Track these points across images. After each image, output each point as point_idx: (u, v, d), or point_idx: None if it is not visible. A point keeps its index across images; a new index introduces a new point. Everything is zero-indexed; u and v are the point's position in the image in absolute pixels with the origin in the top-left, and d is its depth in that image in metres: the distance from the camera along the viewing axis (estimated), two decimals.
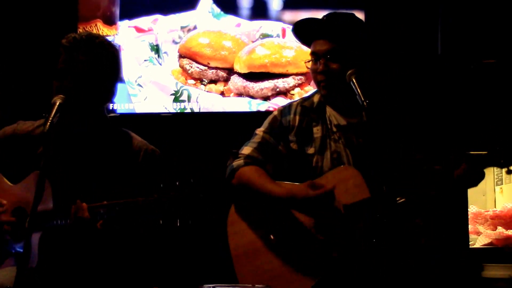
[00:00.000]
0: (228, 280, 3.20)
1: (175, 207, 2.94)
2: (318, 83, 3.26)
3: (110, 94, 3.30)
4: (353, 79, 3.07)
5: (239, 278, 3.20)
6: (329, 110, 3.30)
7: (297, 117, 3.32)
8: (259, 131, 3.38)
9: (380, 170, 3.08)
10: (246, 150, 3.35)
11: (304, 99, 3.42)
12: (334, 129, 3.26)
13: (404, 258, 3.10)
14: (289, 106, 3.40)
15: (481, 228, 4.52)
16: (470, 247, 4.38)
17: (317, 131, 3.28)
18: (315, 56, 3.23)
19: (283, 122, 3.34)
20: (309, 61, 3.27)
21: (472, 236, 4.47)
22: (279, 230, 3.18)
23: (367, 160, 3.16)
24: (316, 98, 3.34)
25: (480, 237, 4.48)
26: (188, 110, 4.64)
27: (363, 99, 2.99)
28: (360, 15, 4.24)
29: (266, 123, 3.39)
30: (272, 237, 3.17)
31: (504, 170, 3.06)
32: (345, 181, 3.11)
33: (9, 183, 3.28)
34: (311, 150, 3.25)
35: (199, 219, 2.96)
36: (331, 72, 3.18)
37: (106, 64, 3.25)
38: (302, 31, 3.32)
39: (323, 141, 3.25)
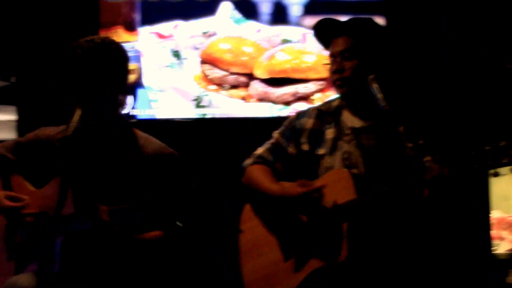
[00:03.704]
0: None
1: (194, 209, 2.92)
2: (334, 82, 3.28)
3: (125, 98, 3.32)
4: (374, 84, 3.09)
5: (243, 274, 3.30)
6: (345, 113, 3.30)
7: (311, 120, 3.35)
8: (275, 133, 3.44)
9: (388, 172, 3.11)
10: (259, 150, 3.42)
11: (323, 104, 3.46)
12: (347, 131, 3.26)
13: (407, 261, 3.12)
14: (306, 110, 3.44)
15: (504, 234, 4.50)
16: (493, 252, 4.36)
17: (329, 133, 3.29)
18: (333, 57, 3.25)
19: (296, 125, 3.37)
20: (327, 64, 3.29)
21: (495, 242, 4.45)
22: (283, 227, 3.23)
23: (377, 161, 3.19)
24: (335, 103, 3.36)
25: (504, 242, 4.46)
26: (210, 116, 4.69)
27: (384, 104, 3.02)
28: (381, 21, 4.27)
29: (282, 125, 3.45)
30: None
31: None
32: (336, 182, 3.15)
33: (32, 188, 3.28)
34: (322, 151, 3.27)
35: (210, 220, 2.93)
36: (345, 70, 3.20)
37: (120, 68, 3.24)
38: (322, 29, 3.34)
39: (334, 142, 3.26)
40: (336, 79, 3.23)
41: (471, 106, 4.45)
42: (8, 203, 3.15)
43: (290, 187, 3.20)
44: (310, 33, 4.38)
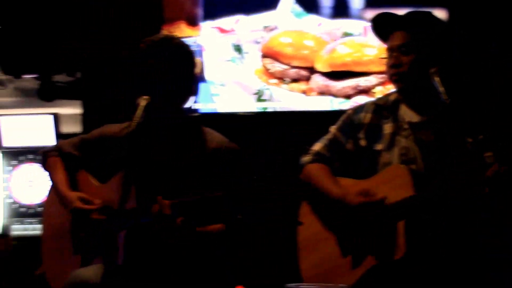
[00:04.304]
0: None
1: (253, 202, 2.96)
2: (391, 77, 3.28)
3: (188, 94, 3.36)
4: (436, 77, 3.09)
5: (301, 270, 3.32)
6: (403, 108, 3.30)
7: (369, 115, 3.34)
8: (332, 128, 3.44)
9: (447, 168, 3.11)
10: (316, 146, 3.42)
11: (380, 98, 3.46)
12: (405, 126, 3.25)
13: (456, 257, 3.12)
14: (363, 104, 3.44)
15: None
16: None
17: (387, 128, 3.29)
18: (390, 51, 3.26)
19: (354, 120, 3.37)
20: (385, 58, 3.30)
21: None
22: (340, 224, 3.26)
23: (436, 157, 3.18)
24: (392, 97, 3.36)
25: None
26: (271, 109, 4.74)
27: (445, 97, 3.03)
28: (443, 14, 4.24)
29: (339, 120, 3.45)
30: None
31: None
32: (394, 179, 3.16)
33: (97, 183, 3.37)
34: (379, 147, 3.27)
35: (269, 214, 2.98)
36: (403, 65, 3.20)
37: (185, 64, 3.30)
38: (379, 23, 3.35)
39: (392, 138, 3.26)
40: (393, 73, 3.24)
41: None
42: (80, 205, 3.24)
43: (351, 194, 3.19)
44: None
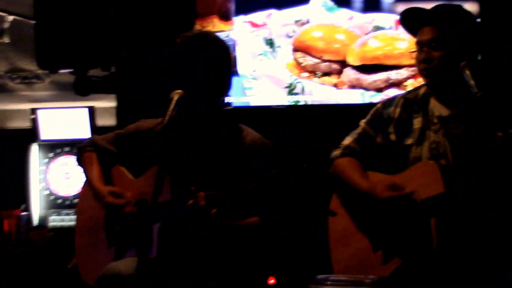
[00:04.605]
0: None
1: (284, 193, 2.95)
2: (420, 72, 3.26)
3: (224, 89, 3.37)
4: (467, 70, 3.06)
5: (333, 262, 3.32)
6: (432, 102, 3.28)
7: (398, 109, 3.33)
8: (362, 122, 3.43)
9: (477, 162, 3.09)
10: (347, 140, 3.42)
11: (409, 92, 3.44)
12: (435, 120, 3.24)
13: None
14: (393, 98, 3.42)
15: None
16: None
17: (417, 122, 3.27)
18: (420, 45, 3.24)
19: (383, 114, 3.36)
20: (414, 51, 3.28)
21: None
22: (370, 218, 3.25)
23: (466, 151, 3.16)
24: (422, 91, 3.34)
25: None
26: (302, 103, 4.75)
27: (476, 90, 2.99)
28: (474, 7, 4.23)
29: (369, 114, 3.44)
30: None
31: None
32: (424, 175, 3.14)
33: (132, 177, 3.39)
34: (409, 141, 3.25)
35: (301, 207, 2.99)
36: (433, 60, 3.17)
37: (219, 59, 3.30)
38: (409, 18, 3.34)
39: (422, 132, 3.24)
40: (422, 68, 3.22)
41: None
42: (111, 199, 3.27)
43: (379, 188, 3.19)
44: None
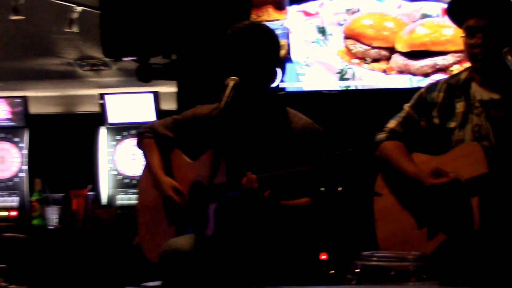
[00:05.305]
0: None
1: (333, 175, 3.01)
2: (474, 56, 3.26)
3: (274, 75, 3.45)
4: (509, 56, 3.11)
5: (378, 240, 3.40)
6: (474, 86, 3.32)
7: (442, 94, 3.37)
8: (406, 106, 3.48)
9: None
10: (391, 124, 3.48)
11: (451, 77, 3.47)
12: (477, 104, 3.28)
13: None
14: (436, 83, 3.46)
15: None
16: None
17: (459, 106, 3.31)
18: (470, 30, 3.25)
19: (427, 99, 3.41)
20: (463, 36, 3.30)
21: None
22: (415, 197, 3.31)
23: (508, 133, 3.21)
24: (463, 76, 3.37)
25: None
26: (353, 87, 4.79)
27: None
28: None
29: (412, 99, 3.48)
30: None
31: None
32: (467, 156, 3.19)
33: (189, 160, 3.52)
34: (452, 124, 3.30)
35: (353, 185, 3.04)
36: (489, 46, 3.19)
37: (270, 48, 3.38)
38: (456, 8, 3.36)
39: (465, 116, 3.28)
40: (477, 53, 3.23)
41: None
42: (171, 193, 3.40)
43: (425, 173, 3.23)
44: None
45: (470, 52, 3.28)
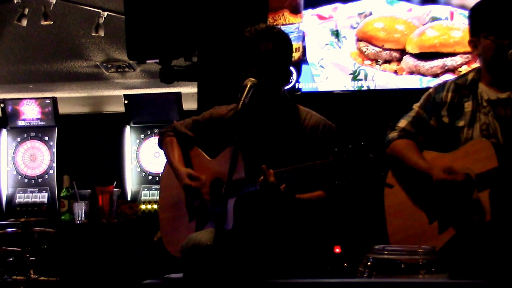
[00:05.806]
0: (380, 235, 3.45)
1: (349, 168, 3.00)
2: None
3: (288, 76, 3.53)
4: None
5: (389, 233, 3.46)
6: (481, 86, 3.36)
7: (450, 94, 3.43)
8: (416, 106, 3.54)
9: None
10: (402, 123, 3.54)
11: (458, 77, 3.52)
12: (485, 104, 3.33)
13: None
14: (443, 84, 3.51)
15: None
16: None
17: (468, 106, 3.35)
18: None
19: (436, 99, 3.46)
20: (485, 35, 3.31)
21: None
22: (426, 193, 3.35)
23: None
24: (470, 76, 3.43)
25: None
26: (365, 88, 4.84)
27: None
28: None
29: (422, 99, 3.54)
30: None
31: None
32: (478, 152, 3.24)
33: (208, 158, 3.57)
34: (461, 123, 3.35)
35: (369, 178, 3.01)
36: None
37: (284, 50, 3.44)
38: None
39: (473, 115, 3.33)
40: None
41: None
42: (188, 181, 3.46)
43: (436, 168, 3.28)
44: (457, 11, 4.51)
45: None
